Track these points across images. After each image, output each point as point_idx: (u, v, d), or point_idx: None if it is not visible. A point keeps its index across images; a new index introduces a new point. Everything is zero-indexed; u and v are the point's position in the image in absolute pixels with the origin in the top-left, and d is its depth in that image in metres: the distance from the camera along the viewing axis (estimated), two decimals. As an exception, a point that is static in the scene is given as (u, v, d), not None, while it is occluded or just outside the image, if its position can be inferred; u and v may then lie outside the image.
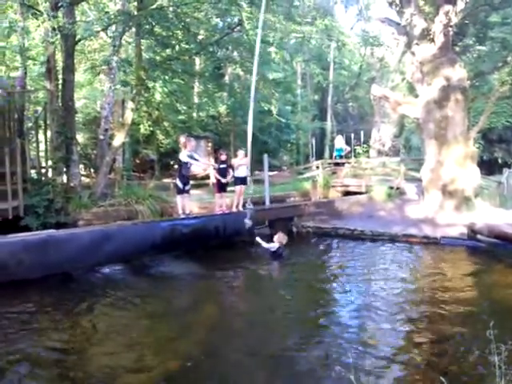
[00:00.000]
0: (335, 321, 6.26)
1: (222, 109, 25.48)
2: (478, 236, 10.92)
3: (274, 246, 10.01)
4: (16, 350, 5.18)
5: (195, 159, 11.10)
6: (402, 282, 8.25)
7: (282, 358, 5.05)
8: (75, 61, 13.43)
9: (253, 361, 5.05)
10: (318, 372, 4.66)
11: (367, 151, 27.15)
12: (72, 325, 6.12)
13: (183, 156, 10.73)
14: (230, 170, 11.67)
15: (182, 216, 10.76)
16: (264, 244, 10.19)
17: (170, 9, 13.52)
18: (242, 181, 11.90)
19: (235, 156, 12.75)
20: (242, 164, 11.94)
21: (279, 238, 10.06)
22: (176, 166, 11.46)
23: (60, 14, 11.68)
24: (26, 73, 15.42)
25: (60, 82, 12.30)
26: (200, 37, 16.66)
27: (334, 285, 8.19)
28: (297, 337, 5.61)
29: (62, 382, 4.51)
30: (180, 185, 10.80)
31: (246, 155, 12.21)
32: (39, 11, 12.02)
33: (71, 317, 6.43)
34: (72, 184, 12.07)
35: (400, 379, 4.59)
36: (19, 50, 14.60)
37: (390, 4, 15.53)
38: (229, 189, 12.07)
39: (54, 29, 11.17)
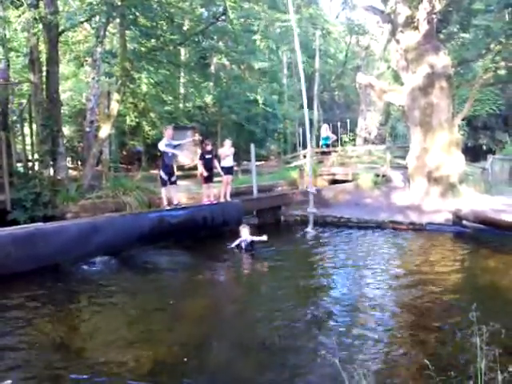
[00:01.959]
0: (321, 309, 6.30)
1: (209, 99, 25.40)
2: (464, 222, 11.11)
3: (244, 239, 9.58)
4: (2, 344, 5.19)
5: (175, 145, 11.01)
6: (388, 267, 8.36)
7: (270, 348, 5.10)
8: (59, 52, 13.29)
9: (241, 351, 5.09)
10: (304, 360, 4.72)
11: (353, 139, 27.27)
12: (60, 318, 6.13)
13: (161, 145, 10.69)
14: (216, 161, 11.66)
15: (167, 208, 10.76)
16: (237, 242, 9.70)
17: (154, -1, 13.45)
18: (228, 171, 11.94)
19: (222, 146, 12.75)
20: (228, 155, 11.96)
21: (245, 234, 9.61)
22: (161, 158, 11.46)
23: (42, 3, 11.54)
24: (8, 65, 15.23)
25: (44, 73, 12.18)
26: (185, 27, 16.58)
27: (321, 273, 8.28)
28: (284, 325, 5.66)
29: (50, 375, 4.50)
30: (164, 176, 10.77)
31: (232, 145, 12.25)
32: (20, 0, 11.86)
33: (60, 310, 6.43)
34: (59, 177, 12.00)
35: (385, 363, 4.67)
36: (0, 40, 14.41)
37: (375, -8, 15.57)
38: (216, 179, 12.11)
39: (35, 19, 11.04)
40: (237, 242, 9.62)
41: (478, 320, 3.21)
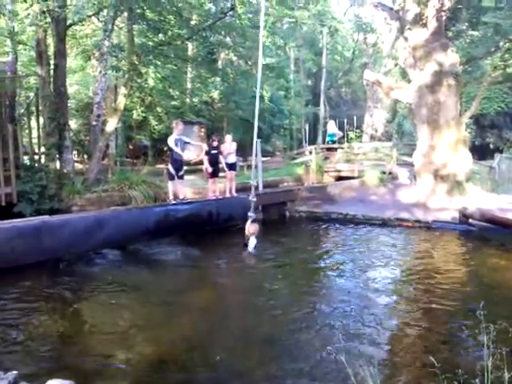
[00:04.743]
0: (326, 304, 6.33)
1: (215, 94, 25.39)
2: (470, 220, 11.05)
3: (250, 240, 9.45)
4: (7, 336, 5.22)
5: (186, 142, 10.97)
6: (393, 265, 8.35)
7: (274, 342, 5.12)
8: (67, 46, 13.29)
9: (246, 345, 5.12)
10: (310, 355, 4.73)
11: (360, 136, 27.22)
12: (65, 311, 6.15)
13: (170, 141, 10.66)
14: (221, 157, 11.69)
15: (173, 202, 10.76)
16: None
17: (162, -7, 13.41)
18: (231, 166, 12.01)
19: (224, 142, 12.73)
20: (231, 152, 12.00)
21: (249, 230, 9.53)
22: (169, 152, 11.52)
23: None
24: (16, 57, 15.26)
25: (52, 67, 12.19)
26: (192, 22, 16.53)
27: (326, 269, 8.27)
28: (289, 320, 5.68)
29: (54, 367, 4.52)
30: (172, 170, 10.75)
31: (232, 140, 12.29)
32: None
33: (64, 303, 6.45)
34: (65, 170, 12.02)
35: (390, 359, 4.67)
36: (8, 33, 14.42)
37: (383, -11, 15.50)
38: (221, 174, 12.14)
39: (43, 12, 11.04)
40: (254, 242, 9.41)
41: (484, 318, 3.19)
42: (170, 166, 10.85)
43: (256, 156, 10.79)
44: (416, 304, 6.26)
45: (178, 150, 10.62)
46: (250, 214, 9.90)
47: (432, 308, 6.06)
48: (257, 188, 11.62)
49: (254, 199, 10.12)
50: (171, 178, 10.87)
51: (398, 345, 5.04)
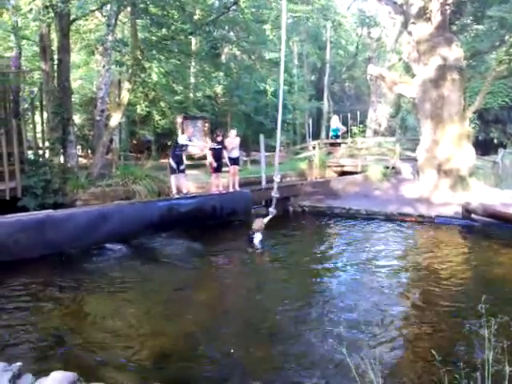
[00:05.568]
0: (329, 298, 6.36)
1: (219, 89, 25.37)
2: (473, 215, 11.04)
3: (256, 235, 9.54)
4: (11, 329, 5.27)
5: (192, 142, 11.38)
6: (396, 259, 8.36)
7: (277, 336, 5.15)
8: (70, 41, 13.31)
9: (249, 338, 5.15)
10: (312, 348, 4.76)
11: (363, 131, 27.14)
12: (68, 304, 6.20)
13: (182, 139, 11.00)
14: (225, 152, 11.75)
15: (176, 196, 10.84)
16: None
17: (165, -13, 13.41)
18: (234, 161, 12.11)
19: (228, 136, 12.79)
20: (234, 147, 12.04)
21: (256, 225, 9.64)
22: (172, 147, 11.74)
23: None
24: (20, 53, 15.28)
25: (55, 62, 12.22)
26: (196, 16, 16.51)
27: (328, 263, 8.29)
28: (292, 314, 5.71)
29: (57, 359, 4.56)
30: (173, 164, 10.91)
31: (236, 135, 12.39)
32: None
33: (67, 296, 6.49)
34: (69, 164, 12.08)
35: (392, 352, 4.69)
36: (12, 28, 14.44)
37: (387, -17, 15.42)
38: (224, 169, 12.18)
39: (46, 7, 11.06)
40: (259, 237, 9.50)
41: (486, 312, 3.20)
42: (171, 160, 11.00)
43: (276, 152, 10.94)
44: (418, 298, 6.29)
45: (189, 142, 11.41)
46: (270, 209, 10.08)
47: (434, 302, 6.07)
48: (280, 181, 11.56)
49: (277, 195, 10.25)
50: (173, 171, 10.99)
51: (400, 338, 5.06)
